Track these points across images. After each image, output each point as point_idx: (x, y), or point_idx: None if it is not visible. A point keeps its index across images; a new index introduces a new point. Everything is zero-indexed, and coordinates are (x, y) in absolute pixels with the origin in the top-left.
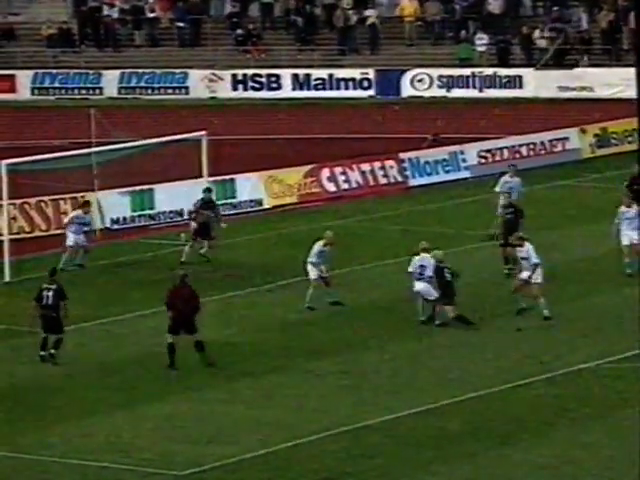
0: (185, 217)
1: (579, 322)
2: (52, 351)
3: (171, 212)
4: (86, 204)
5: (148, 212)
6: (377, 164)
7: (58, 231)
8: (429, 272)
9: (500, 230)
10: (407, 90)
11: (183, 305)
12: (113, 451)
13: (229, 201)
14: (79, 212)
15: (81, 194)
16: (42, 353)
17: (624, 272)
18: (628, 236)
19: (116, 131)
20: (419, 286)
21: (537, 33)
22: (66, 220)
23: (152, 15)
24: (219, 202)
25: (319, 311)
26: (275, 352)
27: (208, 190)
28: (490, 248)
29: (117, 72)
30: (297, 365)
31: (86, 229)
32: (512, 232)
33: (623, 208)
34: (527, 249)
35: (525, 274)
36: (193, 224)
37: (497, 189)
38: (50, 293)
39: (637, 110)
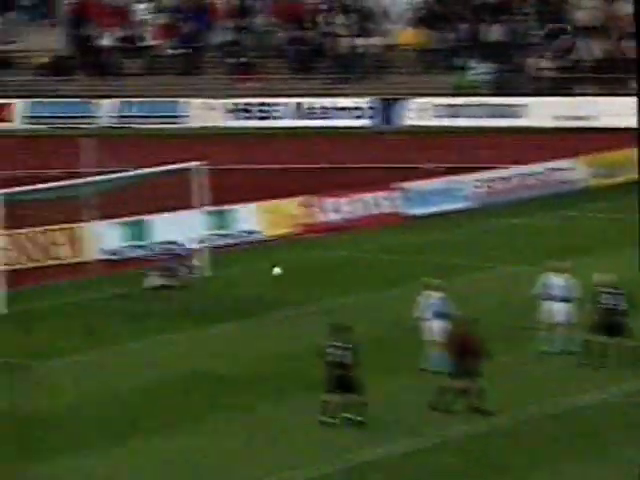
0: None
1: None
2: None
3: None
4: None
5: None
6: (375, 194)
7: (53, 262)
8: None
9: None
10: (407, 119)
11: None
12: None
13: (223, 232)
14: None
15: (74, 224)
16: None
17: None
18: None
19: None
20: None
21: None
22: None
23: (148, 44)
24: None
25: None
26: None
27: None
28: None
29: (112, 101)
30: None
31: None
32: None
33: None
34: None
35: None
36: None
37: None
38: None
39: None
